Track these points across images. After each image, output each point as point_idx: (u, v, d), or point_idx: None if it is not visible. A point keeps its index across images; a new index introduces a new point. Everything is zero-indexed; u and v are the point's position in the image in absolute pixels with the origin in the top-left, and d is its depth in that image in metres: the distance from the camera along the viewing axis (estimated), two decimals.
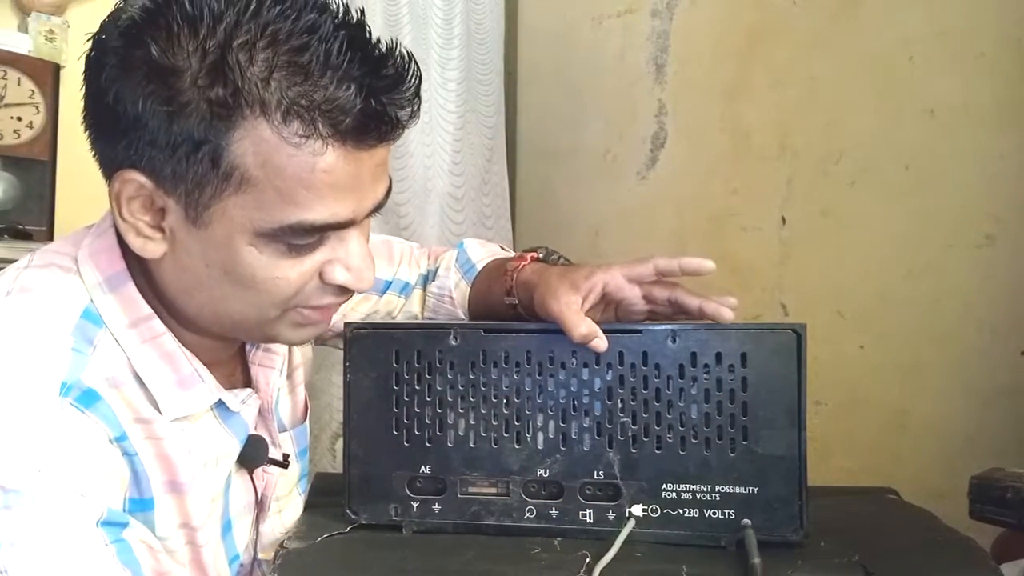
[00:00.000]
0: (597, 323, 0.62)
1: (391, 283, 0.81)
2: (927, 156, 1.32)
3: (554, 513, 0.64)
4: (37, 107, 1.42)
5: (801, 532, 0.61)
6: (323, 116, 0.49)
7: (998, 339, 1.26)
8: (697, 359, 0.62)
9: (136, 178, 0.51)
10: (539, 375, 0.64)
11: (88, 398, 0.52)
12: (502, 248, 0.85)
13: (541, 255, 0.74)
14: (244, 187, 0.50)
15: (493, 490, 0.65)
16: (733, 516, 0.62)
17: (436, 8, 1.74)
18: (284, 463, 0.68)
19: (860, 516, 0.70)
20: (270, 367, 0.68)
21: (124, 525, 0.52)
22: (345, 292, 0.58)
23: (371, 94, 0.50)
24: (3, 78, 1.41)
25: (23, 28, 1.48)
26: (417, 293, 0.84)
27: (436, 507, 0.65)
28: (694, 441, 0.62)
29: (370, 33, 0.52)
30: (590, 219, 1.81)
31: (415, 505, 0.65)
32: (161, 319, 0.57)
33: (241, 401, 0.63)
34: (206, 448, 0.60)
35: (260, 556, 0.68)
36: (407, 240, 0.88)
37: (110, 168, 0.53)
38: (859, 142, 1.40)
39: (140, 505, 0.55)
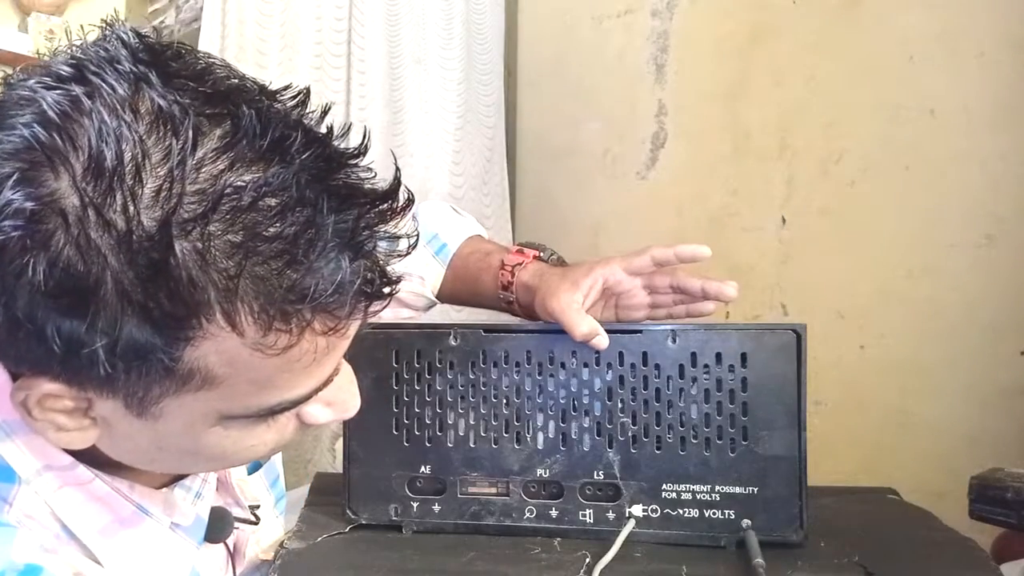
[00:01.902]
0: (599, 321, 0.62)
1: None
2: (927, 156, 1.32)
3: (554, 513, 0.64)
4: None
5: (801, 532, 0.61)
6: (316, 311, 0.37)
7: (998, 339, 1.26)
8: (697, 359, 0.62)
9: (48, 387, 0.39)
10: (539, 375, 0.64)
11: (29, 575, 0.42)
12: (454, 209, 0.81)
13: (544, 256, 0.73)
14: (208, 385, 0.39)
15: (493, 490, 0.65)
16: (733, 516, 0.61)
17: (436, 8, 1.74)
18: (255, 520, 0.61)
19: (860, 516, 0.70)
20: None
21: None
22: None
23: (366, 246, 0.39)
24: (3, 78, 1.41)
25: (23, 28, 1.48)
26: None
27: (436, 507, 0.65)
28: (694, 441, 0.62)
29: (334, 132, 0.40)
30: (590, 219, 1.81)
31: (415, 505, 0.65)
32: (88, 464, 0.46)
33: (195, 497, 0.53)
34: (166, 568, 0.51)
35: (260, 556, 0.68)
36: None
37: (4, 364, 0.42)
38: (859, 142, 1.40)
39: None
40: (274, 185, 0.35)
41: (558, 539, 0.63)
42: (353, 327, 0.42)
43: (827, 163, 1.43)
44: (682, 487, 0.62)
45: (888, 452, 1.34)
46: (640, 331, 0.63)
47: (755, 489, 0.61)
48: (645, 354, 0.62)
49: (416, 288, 0.78)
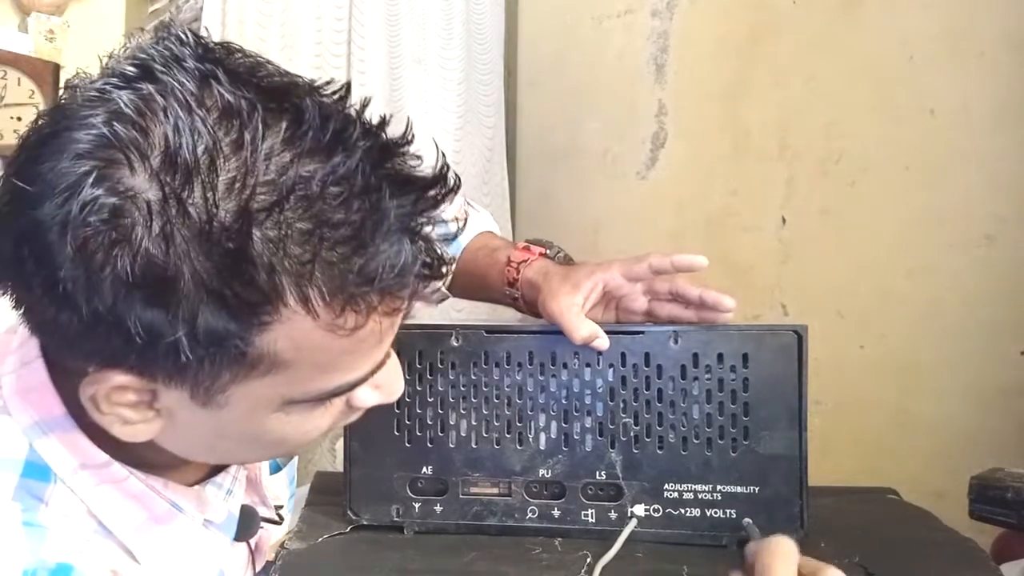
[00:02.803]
0: (599, 323, 0.62)
1: None
2: (927, 156, 1.32)
3: (556, 513, 0.64)
4: (37, 107, 1.42)
5: (801, 532, 0.61)
6: (381, 295, 0.39)
7: (998, 339, 1.26)
8: (699, 360, 0.62)
9: (118, 379, 0.40)
10: (541, 375, 0.64)
11: (60, 574, 0.42)
12: (469, 203, 0.82)
13: (550, 253, 0.73)
14: (275, 370, 0.40)
15: (495, 490, 0.65)
16: (734, 516, 0.62)
17: (436, 8, 1.74)
18: (279, 520, 0.61)
19: (860, 516, 0.70)
20: None
21: None
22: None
23: (422, 229, 0.40)
24: (3, 78, 1.41)
25: (23, 28, 1.48)
26: None
27: (438, 508, 0.65)
28: (696, 441, 0.62)
29: (386, 121, 0.42)
30: (590, 219, 1.81)
31: (417, 506, 0.65)
32: (124, 463, 0.47)
33: (227, 494, 0.54)
34: (199, 565, 0.52)
35: None
36: None
37: (69, 360, 0.42)
38: (859, 142, 1.40)
39: None
40: (339, 174, 0.37)
41: (559, 539, 0.63)
42: (410, 308, 0.44)
43: (827, 163, 1.44)
44: (684, 487, 0.62)
45: (888, 452, 1.34)
46: (642, 332, 0.63)
47: (756, 489, 0.61)
48: (647, 355, 0.63)
49: None
